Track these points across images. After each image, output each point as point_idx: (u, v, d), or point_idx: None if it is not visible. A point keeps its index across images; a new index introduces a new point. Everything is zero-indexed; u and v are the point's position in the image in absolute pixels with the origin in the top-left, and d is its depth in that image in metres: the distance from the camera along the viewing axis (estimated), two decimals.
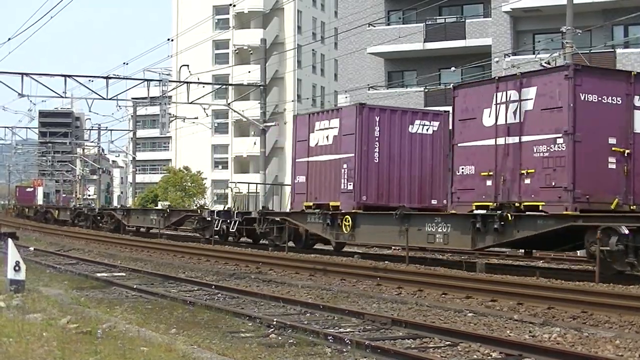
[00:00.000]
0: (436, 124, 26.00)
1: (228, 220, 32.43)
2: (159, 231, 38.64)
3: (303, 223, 27.44)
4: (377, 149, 25.23)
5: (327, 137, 26.48)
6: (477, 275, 18.57)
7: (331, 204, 25.91)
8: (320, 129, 26.87)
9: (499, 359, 10.28)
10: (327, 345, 10.99)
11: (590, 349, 10.72)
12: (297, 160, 27.95)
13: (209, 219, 33.70)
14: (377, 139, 25.26)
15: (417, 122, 25.84)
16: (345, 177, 25.36)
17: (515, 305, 14.94)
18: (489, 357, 10.36)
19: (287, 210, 31.95)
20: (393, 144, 25.43)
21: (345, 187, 25.36)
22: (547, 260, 24.03)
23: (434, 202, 25.72)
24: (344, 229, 24.87)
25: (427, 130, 25.88)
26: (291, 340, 11.40)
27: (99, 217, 48.16)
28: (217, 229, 32.88)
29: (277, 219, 29.18)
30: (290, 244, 28.24)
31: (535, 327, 12.53)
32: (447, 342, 11.18)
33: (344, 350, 10.66)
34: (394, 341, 11.40)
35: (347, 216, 24.86)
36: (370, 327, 12.69)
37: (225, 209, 36.88)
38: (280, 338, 11.71)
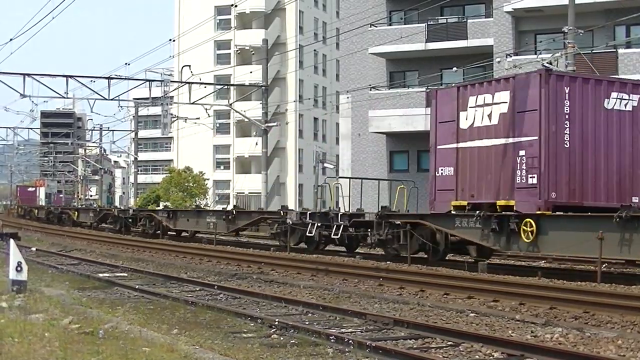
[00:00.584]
0: (636, 97, 20.46)
1: (325, 225, 26.72)
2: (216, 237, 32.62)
3: (449, 228, 21.80)
4: (567, 131, 19.65)
5: (489, 115, 20.80)
6: (479, 276, 18.58)
7: (498, 203, 20.29)
8: (478, 105, 21.08)
9: (501, 359, 10.28)
10: (329, 345, 10.99)
11: (592, 349, 10.72)
12: (439, 147, 22.32)
13: (292, 221, 28.14)
14: (567, 116, 19.65)
15: (614, 95, 20.19)
16: (524, 167, 19.70)
17: (517, 305, 14.93)
18: (491, 357, 10.36)
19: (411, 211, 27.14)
20: (586, 123, 19.93)
21: (524, 180, 19.70)
22: (549, 261, 24.01)
23: (635, 200, 20.08)
24: (522, 236, 19.23)
25: (625, 105, 20.27)
26: (293, 341, 11.40)
27: (130, 220, 42.29)
28: (310, 234, 27.16)
29: (398, 222, 23.63)
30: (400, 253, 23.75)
31: (537, 327, 12.53)
32: (449, 343, 11.18)
33: (346, 350, 10.66)
34: (396, 341, 11.40)
35: (528, 219, 19.18)
36: (372, 327, 12.69)
37: (305, 209, 30.93)
38: (282, 338, 11.71)
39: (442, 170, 22.17)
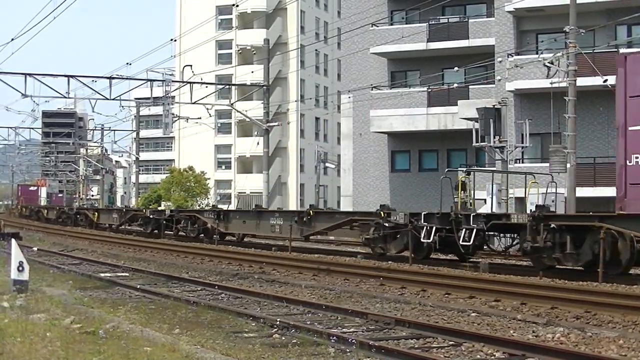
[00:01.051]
0: None
1: (446, 228, 21.79)
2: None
3: None
4: None
5: None
6: (480, 275, 18.58)
7: None
8: None
9: (503, 359, 10.28)
10: (331, 345, 10.99)
11: (593, 349, 10.71)
12: (630, 128, 17.41)
13: (399, 224, 23.36)
14: None
15: None
16: None
17: (518, 305, 14.93)
18: (493, 357, 10.36)
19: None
20: None
21: None
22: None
23: None
24: None
25: None
26: (295, 340, 11.40)
27: (165, 222, 37.27)
28: (427, 240, 22.20)
29: (554, 225, 18.79)
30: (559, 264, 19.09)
31: (539, 327, 12.52)
32: (451, 342, 11.18)
33: (348, 350, 10.66)
34: (398, 341, 11.40)
35: None
36: (373, 327, 12.69)
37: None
38: (283, 338, 11.72)
39: (637, 158, 17.27)
